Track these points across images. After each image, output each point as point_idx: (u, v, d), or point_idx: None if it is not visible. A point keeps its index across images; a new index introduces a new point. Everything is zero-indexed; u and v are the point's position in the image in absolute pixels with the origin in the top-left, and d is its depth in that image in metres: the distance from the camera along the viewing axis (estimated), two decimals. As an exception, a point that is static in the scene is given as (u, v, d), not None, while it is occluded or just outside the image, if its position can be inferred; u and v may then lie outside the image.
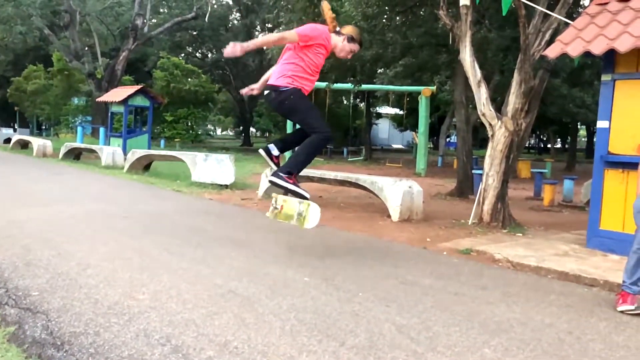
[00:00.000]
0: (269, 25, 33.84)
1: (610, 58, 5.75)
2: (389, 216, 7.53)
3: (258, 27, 37.17)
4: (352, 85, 18.51)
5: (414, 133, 27.60)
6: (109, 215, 6.64)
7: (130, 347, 2.67)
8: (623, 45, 5.33)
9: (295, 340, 2.87)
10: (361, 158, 26.17)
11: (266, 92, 4.61)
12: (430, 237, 6.34)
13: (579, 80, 16.44)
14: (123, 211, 7.03)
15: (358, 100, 33.04)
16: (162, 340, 2.77)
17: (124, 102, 17.37)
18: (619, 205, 5.73)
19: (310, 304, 3.51)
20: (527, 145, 49.91)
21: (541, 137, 44.74)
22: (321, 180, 8.84)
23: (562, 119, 23.61)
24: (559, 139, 42.99)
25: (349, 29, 4.71)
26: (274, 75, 4.57)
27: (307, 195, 4.60)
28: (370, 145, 27.45)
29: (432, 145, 38.28)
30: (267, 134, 47.21)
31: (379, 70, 19.13)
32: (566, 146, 36.21)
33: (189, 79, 31.57)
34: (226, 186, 10.41)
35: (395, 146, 44.44)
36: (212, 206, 8.28)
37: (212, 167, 10.57)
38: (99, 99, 20.40)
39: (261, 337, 2.88)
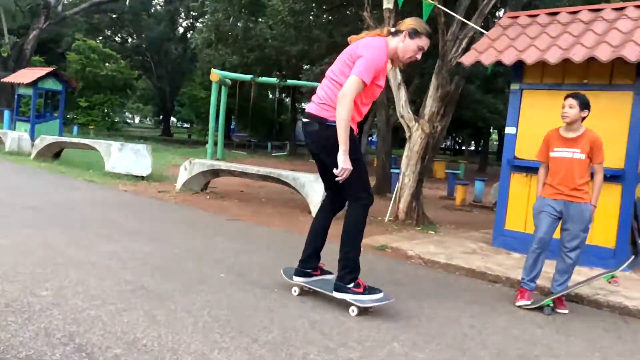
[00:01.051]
0: (194, 13, 32.99)
1: (519, 68, 6.12)
2: (309, 212, 7.60)
3: (182, 15, 36.07)
4: (278, 80, 18.46)
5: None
6: (11, 205, 6.20)
7: (29, 347, 2.51)
8: (530, 57, 5.70)
9: (207, 337, 2.83)
10: (285, 153, 26.20)
11: (304, 119, 3.59)
12: (348, 234, 6.45)
13: (492, 88, 17.41)
14: (28, 201, 6.59)
15: (284, 95, 33.03)
16: (64, 339, 2.63)
17: (33, 84, 16.25)
18: (522, 206, 6.12)
19: (225, 300, 3.48)
20: (442, 146, 52.15)
21: (457, 139, 46.96)
22: (243, 174, 8.76)
23: (476, 123, 24.90)
24: (473, 142, 45.26)
25: (408, 22, 3.61)
26: (319, 99, 3.49)
27: (382, 297, 3.50)
28: (294, 140, 27.52)
29: (354, 143, 38.93)
30: (189, 125, 46.07)
31: (305, 67, 19.21)
32: (479, 149, 38.22)
33: (107, 64, 30.12)
34: (142, 177, 10.05)
35: (319, 142, 44.85)
36: (127, 198, 7.96)
37: (127, 157, 10.15)
38: (4, 80, 18.95)
39: (172, 335, 2.81)
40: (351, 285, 3.47)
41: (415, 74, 12.57)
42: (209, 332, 2.89)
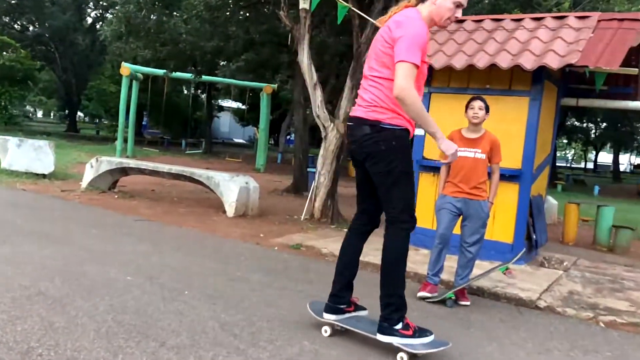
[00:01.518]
0: (104, 3, 31.39)
1: (428, 73, 6.36)
2: (224, 211, 7.48)
3: (91, 4, 34.19)
4: (192, 76, 18.00)
5: (255, 128, 27.80)
6: None
7: None
8: (438, 62, 5.97)
9: (110, 342, 2.70)
10: (200, 151, 25.61)
11: (349, 123, 3.14)
12: (264, 233, 6.44)
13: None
14: None
15: (199, 91, 32.26)
16: (-54, 352, 2.41)
17: None
18: (430, 205, 6.39)
19: (131, 304, 3.33)
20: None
21: (372, 139, 48.22)
22: (154, 173, 8.45)
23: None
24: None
25: None
26: (367, 101, 3.00)
27: (435, 341, 3.03)
28: (210, 138, 26.96)
29: (273, 142, 38.97)
30: (98, 120, 43.74)
31: (222, 63, 18.89)
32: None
33: (4, 53, 27.87)
34: (44, 176, 9.41)
35: (236, 140, 44.31)
36: (25, 197, 7.42)
37: (27, 153, 9.46)
38: None
39: (71, 342, 2.66)
40: (399, 326, 2.94)
41: (332, 75, 12.76)
42: (113, 338, 2.76)
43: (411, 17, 2.90)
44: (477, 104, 4.25)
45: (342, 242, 3.34)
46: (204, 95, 30.00)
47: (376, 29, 7.50)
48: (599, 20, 5.98)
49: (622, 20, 5.95)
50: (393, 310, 2.98)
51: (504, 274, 4.32)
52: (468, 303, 4.20)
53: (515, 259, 4.39)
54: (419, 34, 2.82)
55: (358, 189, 3.28)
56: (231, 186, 7.47)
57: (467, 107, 4.30)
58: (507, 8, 12.27)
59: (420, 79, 2.96)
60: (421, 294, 4.23)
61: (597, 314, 4.21)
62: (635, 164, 52.27)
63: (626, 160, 53.02)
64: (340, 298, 3.21)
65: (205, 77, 18.76)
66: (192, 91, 31.14)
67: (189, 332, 2.97)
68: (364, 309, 3.32)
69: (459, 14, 3.05)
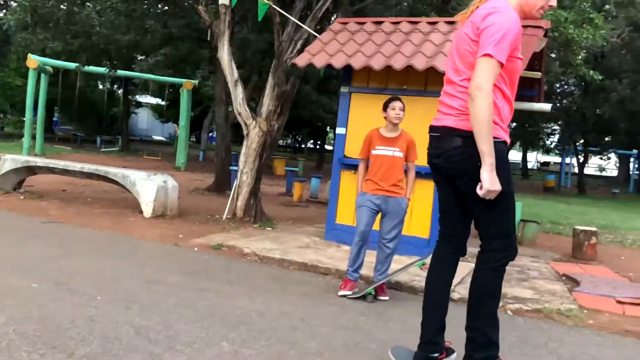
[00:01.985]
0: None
1: (348, 72, 6.48)
2: (141, 212, 7.20)
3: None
4: (107, 70, 17.19)
5: (175, 125, 26.99)
6: None
7: None
8: (357, 62, 6.07)
9: (12, 357, 2.52)
10: (117, 149, 24.52)
11: (434, 134, 2.73)
12: (183, 234, 6.27)
13: (326, 89, 18.22)
14: None
15: (115, 86, 30.86)
16: None
17: None
18: (351, 202, 6.47)
19: (36, 313, 3.12)
20: (283, 144, 53.36)
21: (297, 137, 48.32)
22: (64, 172, 7.98)
23: (315, 122, 25.89)
24: (312, 140, 47.00)
25: None
26: (455, 109, 2.59)
27: None
28: (127, 135, 25.86)
29: (194, 139, 38.03)
30: (2, 116, 40.71)
31: (139, 57, 18.19)
32: (317, 147, 39.83)
33: None
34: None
35: (156, 138, 42.84)
36: None
37: None
38: None
39: (-34, 357, 2.45)
40: None
41: (254, 72, 12.65)
42: (15, 351, 2.58)
43: (501, 7, 2.49)
44: (398, 104, 4.36)
45: (427, 275, 2.87)
46: (121, 90, 28.75)
47: (298, 27, 7.54)
48: (506, 26, 6.32)
49: (526, 27, 6.32)
50: (476, 347, 2.62)
51: (421, 269, 4.46)
52: (387, 298, 4.32)
53: (431, 254, 4.52)
54: (509, 26, 2.43)
55: (443, 211, 2.85)
56: (148, 185, 7.21)
57: (386, 107, 4.39)
58: (425, 11, 12.71)
59: (511, 79, 2.59)
60: (341, 292, 4.29)
61: (506, 303, 4.47)
62: (542, 161, 56.05)
63: (534, 158, 56.72)
64: (435, 345, 2.74)
65: (120, 72, 17.98)
66: (108, 86, 29.75)
67: (101, 339, 2.83)
68: (453, 351, 2.85)
69: (553, 2, 2.62)
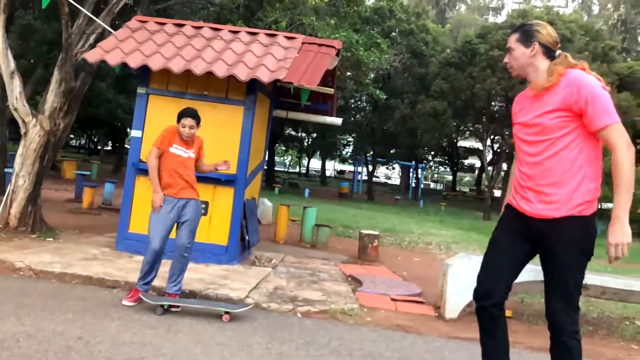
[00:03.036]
0: None
1: (146, 73, 6.18)
2: None
3: None
4: None
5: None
6: None
7: None
8: (155, 64, 5.82)
9: None
10: None
11: (539, 223, 2.51)
12: (-64, 247, 5.28)
13: (124, 88, 17.18)
14: None
15: None
16: None
17: None
18: (147, 209, 6.15)
19: None
20: (76, 145, 48.74)
21: (92, 138, 44.52)
22: None
23: (112, 122, 24.14)
24: (110, 142, 43.78)
25: (550, 36, 2.61)
26: (556, 194, 2.44)
27: None
28: None
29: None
30: None
31: None
32: (116, 149, 37.22)
33: None
34: None
35: None
36: None
37: None
38: None
39: None
40: None
41: (40, 64, 11.33)
42: None
43: (589, 81, 2.45)
44: (188, 122, 4.23)
45: (482, 347, 2.73)
46: None
47: (90, 20, 6.95)
48: (303, 43, 6.70)
49: (321, 45, 6.79)
50: None
51: (223, 315, 4.22)
52: (179, 309, 4.19)
53: (240, 308, 4.36)
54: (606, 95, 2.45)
55: (497, 259, 2.66)
56: None
57: (178, 120, 4.27)
58: (232, 19, 12.83)
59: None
60: (126, 302, 4.11)
61: (296, 306, 4.69)
62: (339, 170, 60.64)
63: (332, 167, 61.08)
64: None
65: None
66: None
67: None
68: None
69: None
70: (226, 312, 4.08)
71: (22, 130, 6.62)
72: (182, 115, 4.27)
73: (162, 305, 4.06)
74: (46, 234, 6.57)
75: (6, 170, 10.13)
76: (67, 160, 18.82)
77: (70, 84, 6.83)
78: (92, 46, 6.86)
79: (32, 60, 11.61)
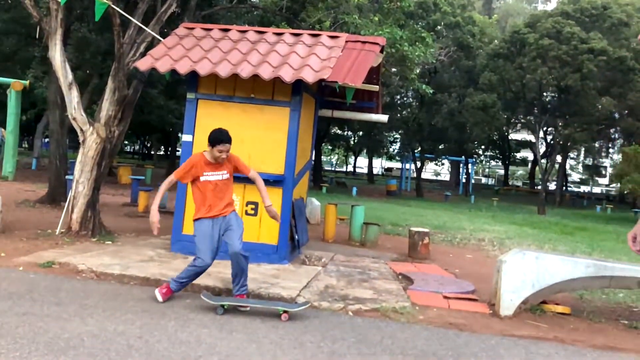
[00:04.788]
0: None
1: (195, 79, 6.34)
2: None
3: None
4: None
5: (2, 130, 24.07)
6: None
7: None
8: (203, 69, 5.96)
9: None
10: None
11: None
12: (7, 252, 5.59)
13: (174, 94, 17.65)
14: None
15: None
16: None
17: None
18: (198, 211, 6.34)
19: None
20: (131, 150, 50.51)
21: (145, 143, 46.05)
22: None
23: (164, 127, 24.89)
24: (162, 147, 45.13)
25: None
26: None
27: None
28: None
29: (27, 146, 34.33)
30: None
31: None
32: (168, 153, 38.35)
33: None
34: None
35: (-21, 143, 37.80)
36: None
37: None
38: None
39: None
40: None
41: (95, 74, 11.81)
42: None
43: None
44: (226, 148, 4.31)
45: None
46: None
47: (140, 29, 7.18)
48: (346, 41, 6.70)
49: (365, 42, 6.76)
50: None
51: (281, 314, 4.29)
52: (248, 308, 4.26)
53: (300, 307, 4.43)
54: None
55: None
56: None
57: (215, 144, 4.29)
58: (275, 21, 12.95)
59: None
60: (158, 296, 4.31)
61: (347, 304, 4.69)
62: (386, 167, 60.22)
63: (379, 164, 60.72)
64: None
65: None
66: None
67: None
68: None
69: None
70: (284, 311, 4.14)
71: (81, 139, 6.93)
72: (220, 140, 4.30)
73: (222, 306, 4.15)
74: (105, 237, 6.85)
75: (67, 177, 10.63)
76: (122, 166, 19.55)
77: (123, 92, 7.09)
78: (143, 55, 7.09)
79: (87, 71, 12.13)
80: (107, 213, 8.79)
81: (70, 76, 6.85)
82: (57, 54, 6.74)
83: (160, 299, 4.27)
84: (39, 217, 8.44)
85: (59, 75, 6.85)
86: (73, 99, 6.82)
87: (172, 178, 4.44)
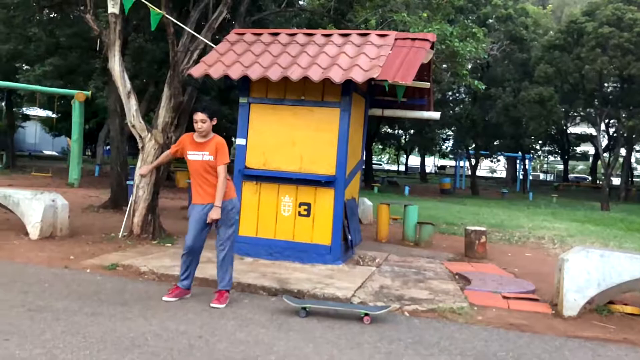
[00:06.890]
0: None
1: (246, 83, 6.46)
2: (27, 234, 6.67)
3: None
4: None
5: (68, 139, 25.34)
6: None
7: None
8: (254, 73, 6.06)
9: None
10: (1, 166, 22.58)
11: None
12: (75, 255, 5.89)
13: (228, 99, 18.02)
14: None
15: (-2, 98, 28.40)
16: None
17: None
18: (253, 213, 6.46)
19: None
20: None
21: (200, 148, 47.30)
22: None
23: (218, 132, 25.43)
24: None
25: None
26: None
27: None
28: (13, 151, 23.88)
29: (90, 153, 35.95)
30: None
31: (25, 67, 16.93)
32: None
33: None
34: None
35: (46, 152, 39.94)
36: None
37: None
38: None
39: None
40: None
41: (151, 82, 12.24)
42: None
43: None
44: (199, 117, 4.22)
45: None
46: (3, 102, 26.54)
47: (193, 37, 7.39)
48: (396, 39, 6.64)
49: (414, 39, 6.68)
50: None
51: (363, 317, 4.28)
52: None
53: (382, 310, 4.38)
54: None
55: None
56: (34, 205, 6.70)
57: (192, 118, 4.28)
58: (322, 23, 13.01)
59: None
60: (167, 298, 4.35)
61: (403, 305, 4.65)
62: (439, 165, 59.20)
63: (431, 163, 59.78)
64: None
65: (1, 83, 16.62)
66: (-11, 98, 27.34)
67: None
68: None
69: None
70: (366, 314, 4.11)
71: (140, 145, 7.20)
72: (194, 110, 4.30)
73: (304, 308, 4.16)
74: (165, 240, 7.08)
75: (128, 182, 11.06)
76: (179, 171, 20.13)
77: (178, 99, 7.31)
78: (196, 62, 7.29)
79: (144, 80, 12.60)
80: (166, 216, 9.08)
81: (128, 85, 7.12)
82: (116, 65, 7.03)
83: (169, 299, 4.33)
84: (103, 222, 8.82)
85: (118, 84, 7.14)
86: (132, 107, 7.09)
87: (168, 151, 4.67)
